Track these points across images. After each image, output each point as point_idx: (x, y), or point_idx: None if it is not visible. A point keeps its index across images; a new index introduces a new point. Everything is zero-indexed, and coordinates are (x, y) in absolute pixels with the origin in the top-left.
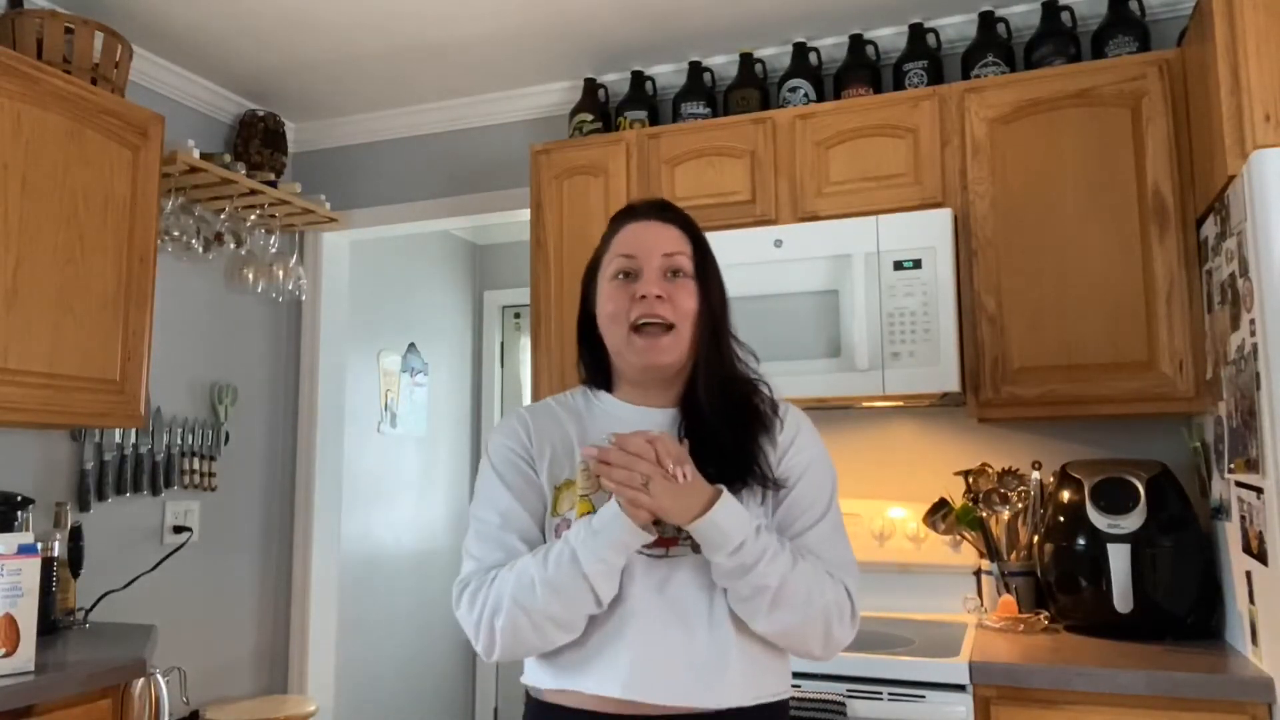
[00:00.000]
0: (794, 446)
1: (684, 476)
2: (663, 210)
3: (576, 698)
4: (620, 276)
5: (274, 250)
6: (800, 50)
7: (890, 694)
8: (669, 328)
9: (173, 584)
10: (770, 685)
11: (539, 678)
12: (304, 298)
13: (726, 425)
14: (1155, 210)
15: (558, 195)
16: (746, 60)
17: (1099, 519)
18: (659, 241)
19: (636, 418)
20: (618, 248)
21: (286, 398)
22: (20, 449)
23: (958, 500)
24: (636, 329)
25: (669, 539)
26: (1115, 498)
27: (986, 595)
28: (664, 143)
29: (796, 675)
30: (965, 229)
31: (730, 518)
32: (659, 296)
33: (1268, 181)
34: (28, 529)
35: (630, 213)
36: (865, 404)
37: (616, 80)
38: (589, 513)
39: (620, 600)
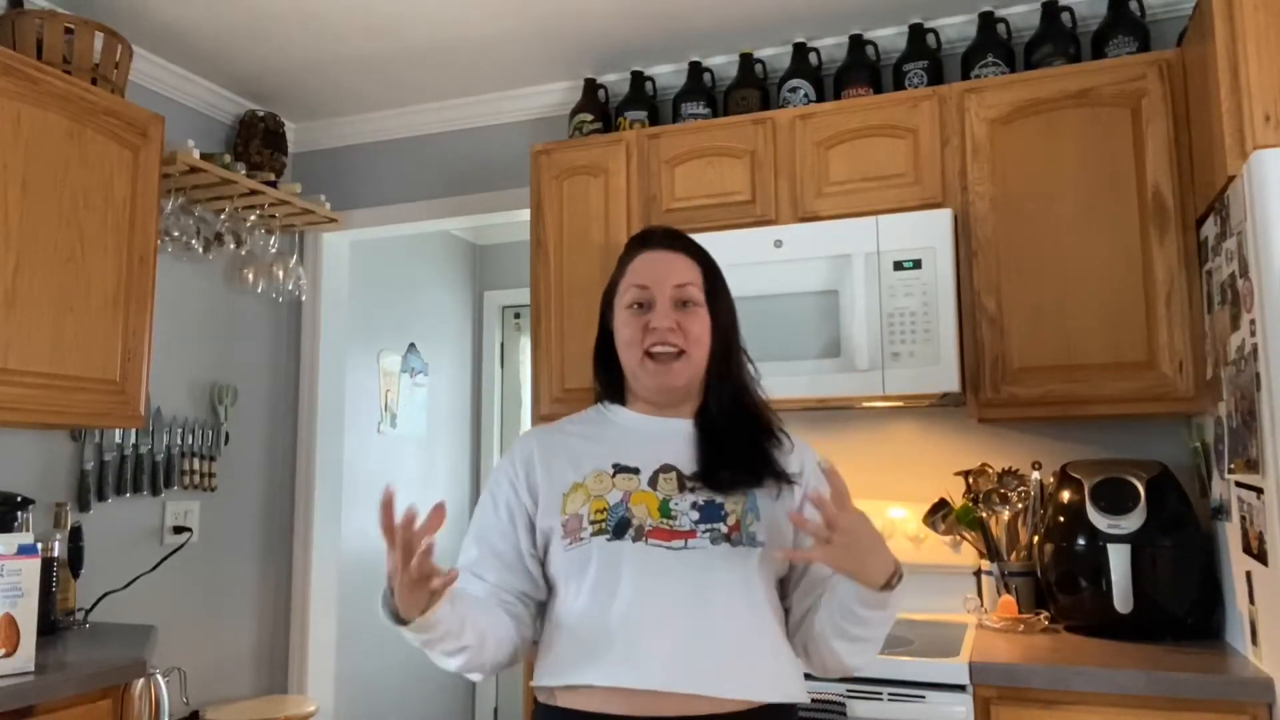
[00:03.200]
0: (804, 463)
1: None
2: (674, 240)
3: (588, 698)
4: (635, 306)
5: (274, 250)
6: (800, 50)
7: (890, 694)
8: (680, 354)
9: (173, 584)
10: (787, 687)
11: (549, 678)
12: (304, 298)
13: (740, 433)
14: (1155, 210)
15: (558, 195)
16: (746, 60)
17: (1099, 519)
18: (670, 272)
19: (652, 427)
20: (632, 277)
21: (286, 398)
22: (20, 449)
23: (958, 500)
24: (649, 354)
25: (686, 531)
26: (1115, 498)
27: (986, 595)
28: (664, 143)
29: None
30: (965, 229)
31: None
32: (670, 328)
33: (1268, 181)
34: (28, 529)
35: (644, 241)
36: (865, 404)
37: (616, 80)
38: (603, 508)
39: (637, 593)
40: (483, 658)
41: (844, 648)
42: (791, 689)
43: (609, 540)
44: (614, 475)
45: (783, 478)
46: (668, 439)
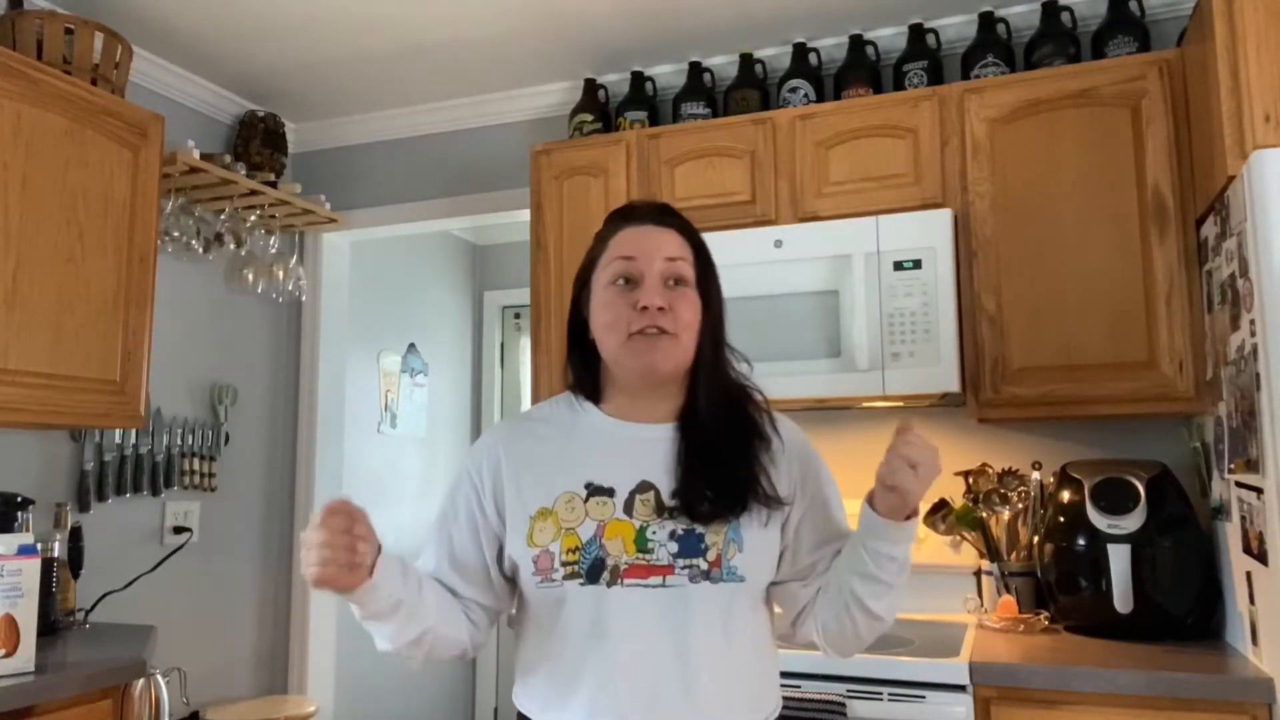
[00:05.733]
0: (799, 460)
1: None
2: (663, 214)
3: None
4: (620, 282)
5: (274, 250)
6: (800, 50)
7: (890, 694)
8: (669, 334)
9: (173, 584)
10: (768, 704)
11: (528, 706)
12: (304, 298)
13: (728, 445)
14: (1155, 210)
15: (558, 195)
16: (746, 60)
17: (1099, 519)
18: (661, 245)
19: (627, 435)
20: (616, 250)
21: (286, 398)
22: (20, 449)
23: (958, 500)
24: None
25: (664, 567)
26: (1115, 498)
27: (986, 595)
28: (664, 143)
29: (797, 675)
30: (965, 229)
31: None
32: (661, 308)
33: (1268, 181)
34: (28, 529)
35: (628, 215)
36: (865, 404)
37: (616, 80)
38: (575, 547)
39: (612, 639)
40: (423, 646)
41: (879, 605)
42: (770, 707)
43: (583, 585)
44: (586, 500)
45: (772, 501)
46: (646, 448)
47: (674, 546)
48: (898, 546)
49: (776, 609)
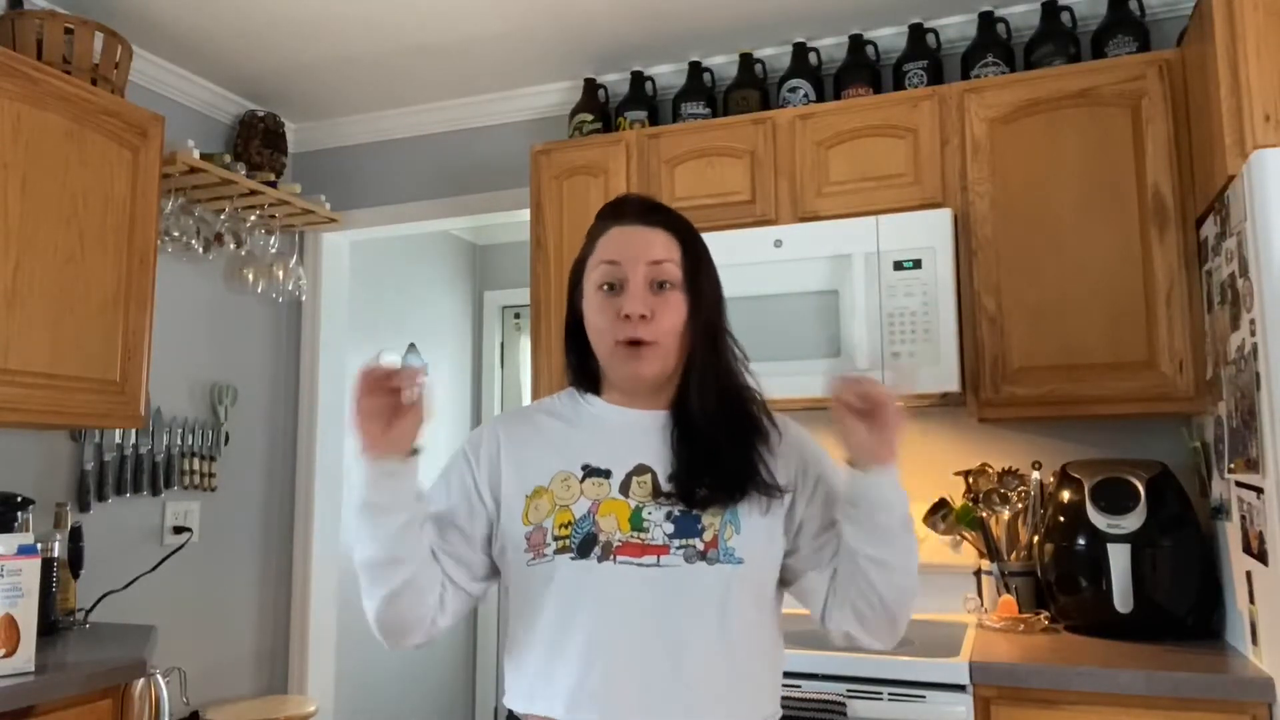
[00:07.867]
0: (798, 449)
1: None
2: (650, 212)
3: None
4: (605, 288)
5: (274, 250)
6: (800, 50)
7: (890, 694)
8: (651, 342)
9: (173, 584)
10: (765, 706)
11: (515, 701)
12: (304, 298)
13: (721, 432)
14: (1155, 210)
15: (558, 195)
16: (746, 60)
17: (1099, 519)
18: (645, 248)
19: (626, 421)
20: (602, 252)
21: (286, 398)
22: (20, 449)
23: (958, 500)
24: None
25: (659, 547)
26: (1115, 498)
27: (986, 595)
28: (664, 143)
29: (797, 675)
30: (965, 229)
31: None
32: (643, 316)
33: (1268, 181)
34: (28, 529)
35: (617, 213)
36: None
37: (616, 80)
38: (568, 522)
39: (602, 622)
40: (399, 575)
41: (887, 553)
42: (768, 710)
43: (574, 559)
44: (582, 480)
45: (771, 489)
46: (644, 433)
47: (670, 527)
48: (875, 490)
49: (805, 609)
